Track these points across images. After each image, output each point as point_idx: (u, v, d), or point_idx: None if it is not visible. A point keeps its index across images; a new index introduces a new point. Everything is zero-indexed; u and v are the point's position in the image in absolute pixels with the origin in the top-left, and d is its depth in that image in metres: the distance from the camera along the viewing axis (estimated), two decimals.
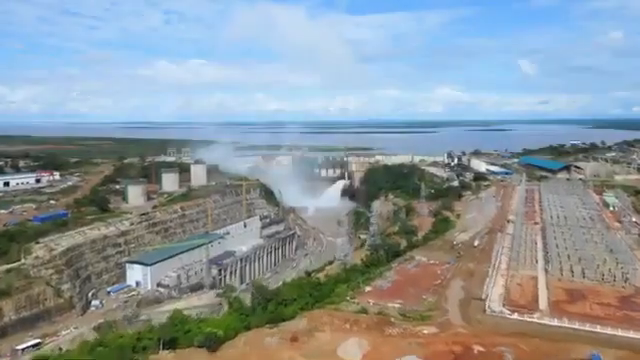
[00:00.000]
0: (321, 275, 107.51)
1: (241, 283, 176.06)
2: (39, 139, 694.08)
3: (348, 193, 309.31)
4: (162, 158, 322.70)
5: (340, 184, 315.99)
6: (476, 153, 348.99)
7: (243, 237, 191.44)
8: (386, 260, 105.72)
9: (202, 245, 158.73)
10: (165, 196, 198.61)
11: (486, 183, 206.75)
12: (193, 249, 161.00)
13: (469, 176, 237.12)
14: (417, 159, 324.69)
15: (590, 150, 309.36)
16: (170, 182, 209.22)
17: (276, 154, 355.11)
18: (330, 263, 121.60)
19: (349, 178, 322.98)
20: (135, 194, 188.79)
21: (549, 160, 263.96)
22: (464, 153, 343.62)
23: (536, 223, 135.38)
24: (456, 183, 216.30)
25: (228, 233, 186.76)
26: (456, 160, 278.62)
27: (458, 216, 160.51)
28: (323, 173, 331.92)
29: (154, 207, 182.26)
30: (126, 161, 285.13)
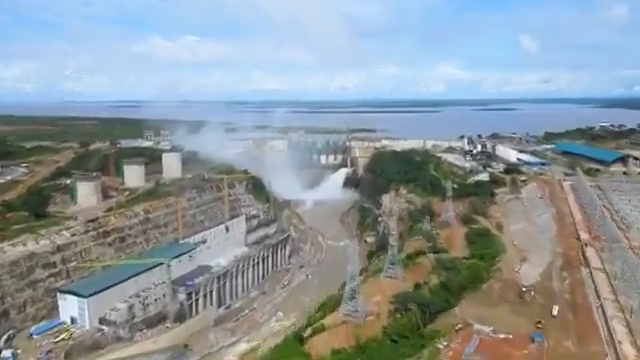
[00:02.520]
0: (318, 343, 69.48)
1: (219, 307, 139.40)
2: (21, 119, 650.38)
3: (351, 182, 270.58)
4: (139, 142, 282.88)
5: (342, 172, 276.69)
6: (495, 137, 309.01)
7: (223, 246, 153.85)
8: (422, 323, 68.08)
9: (161, 264, 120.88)
10: (127, 194, 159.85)
11: (523, 178, 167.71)
12: (153, 268, 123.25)
13: (497, 167, 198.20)
14: (429, 144, 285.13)
15: (629, 134, 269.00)
16: (134, 175, 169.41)
17: (270, 137, 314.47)
18: (332, 310, 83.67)
19: (352, 165, 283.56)
20: (86, 192, 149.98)
21: (591, 147, 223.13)
22: (480, 137, 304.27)
23: (630, 248, 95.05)
24: (484, 176, 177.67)
25: (204, 242, 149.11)
26: (479, 147, 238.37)
27: (499, 227, 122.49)
28: (323, 160, 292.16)
29: (109, 210, 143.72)
30: (93, 147, 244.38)
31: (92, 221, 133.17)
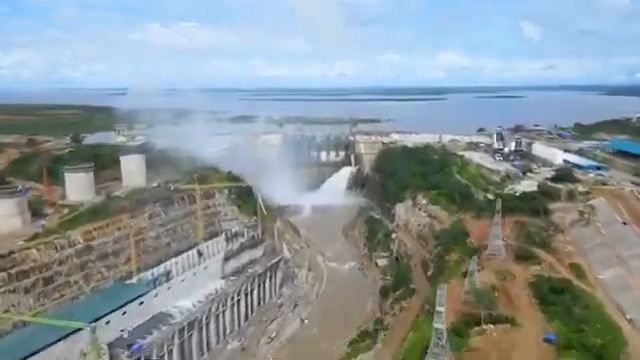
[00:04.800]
0: None
1: None
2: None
3: (356, 183, 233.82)
4: (113, 138, 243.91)
5: (346, 172, 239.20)
6: (518, 130, 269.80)
7: (191, 281, 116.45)
8: None
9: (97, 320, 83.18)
10: (65, 212, 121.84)
11: (582, 189, 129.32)
12: (76, 332, 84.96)
13: (538, 171, 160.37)
14: (446, 139, 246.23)
15: None
16: (78, 186, 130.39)
17: (263, 131, 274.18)
18: None
19: (356, 163, 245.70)
20: (5, 212, 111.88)
21: None
22: (502, 129, 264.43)
23: None
24: (530, 185, 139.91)
25: (167, 274, 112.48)
26: (512, 144, 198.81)
27: (579, 273, 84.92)
28: (323, 156, 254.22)
29: (32, 238, 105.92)
30: (50, 144, 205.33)
31: (1, 258, 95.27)
